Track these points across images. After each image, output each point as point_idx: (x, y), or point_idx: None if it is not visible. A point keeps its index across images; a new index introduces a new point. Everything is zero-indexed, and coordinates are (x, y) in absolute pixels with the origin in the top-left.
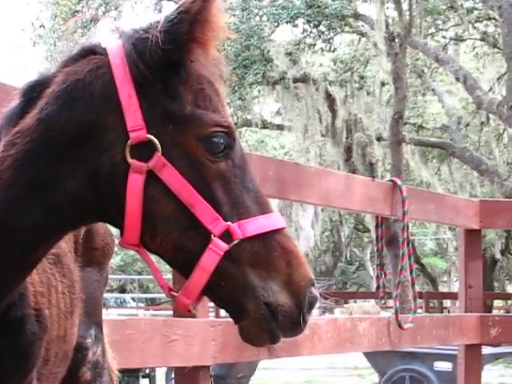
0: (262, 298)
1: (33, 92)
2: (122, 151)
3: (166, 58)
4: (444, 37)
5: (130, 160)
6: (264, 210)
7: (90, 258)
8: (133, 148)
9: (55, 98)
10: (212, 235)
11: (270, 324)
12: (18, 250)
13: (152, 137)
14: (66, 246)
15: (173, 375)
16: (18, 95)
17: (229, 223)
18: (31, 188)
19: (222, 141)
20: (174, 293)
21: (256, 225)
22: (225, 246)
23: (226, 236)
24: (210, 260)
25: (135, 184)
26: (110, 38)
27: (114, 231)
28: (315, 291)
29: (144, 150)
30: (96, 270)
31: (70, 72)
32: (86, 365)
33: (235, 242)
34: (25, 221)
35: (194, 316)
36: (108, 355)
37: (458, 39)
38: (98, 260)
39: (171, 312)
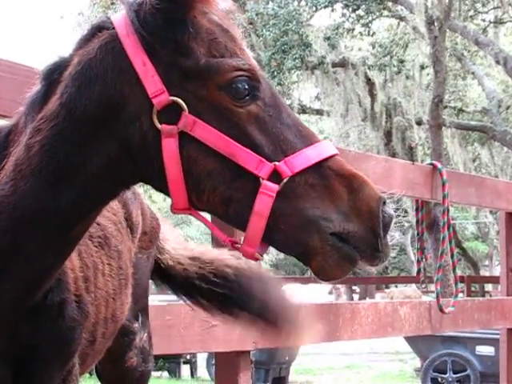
0: (326, 230)
1: (52, 75)
2: (148, 119)
3: (168, 18)
4: (483, 20)
5: (159, 126)
6: (310, 141)
7: (140, 243)
8: (159, 113)
9: (73, 80)
10: (260, 179)
11: (342, 249)
12: (56, 229)
13: (175, 98)
14: (114, 227)
15: (214, 361)
16: (39, 79)
17: (275, 163)
18: (61, 171)
19: (245, 84)
20: (237, 245)
21: (303, 158)
22: (275, 187)
23: (275, 176)
24: (263, 204)
25: (170, 148)
26: (119, 11)
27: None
28: (389, 209)
29: (171, 113)
30: (145, 256)
31: (83, 53)
32: (132, 350)
33: (285, 180)
34: (60, 202)
35: None
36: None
37: (498, 22)
38: (146, 245)
39: None
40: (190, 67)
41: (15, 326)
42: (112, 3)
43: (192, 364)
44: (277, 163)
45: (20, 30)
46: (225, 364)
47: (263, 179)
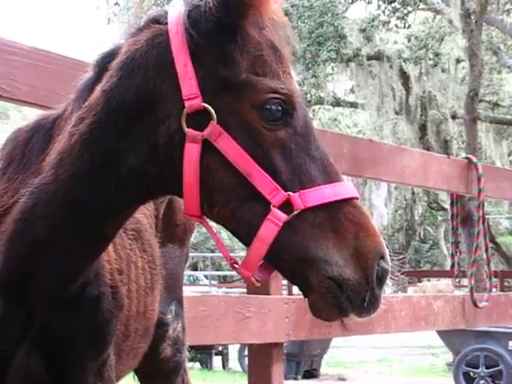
0: (324, 273)
1: (104, 62)
2: (177, 120)
3: (219, 23)
4: None
5: (185, 129)
6: (331, 179)
7: (171, 234)
8: (188, 117)
9: (117, 69)
10: (271, 205)
11: (337, 297)
12: (88, 225)
13: (207, 105)
14: (146, 221)
15: (246, 352)
16: (91, 67)
17: (289, 193)
18: (97, 162)
19: (279, 108)
20: (236, 265)
21: (319, 195)
22: (284, 217)
23: (286, 206)
24: (268, 231)
25: (191, 153)
26: (176, 7)
27: None
28: (385, 264)
29: (200, 119)
30: (177, 246)
31: (132, 42)
32: (166, 341)
33: (295, 212)
34: (92, 195)
35: (267, 293)
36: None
37: None
38: (178, 236)
39: (244, 290)
40: (229, 78)
41: (52, 317)
42: None
43: (224, 355)
44: (291, 193)
45: (57, 19)
46: (258, 356)
47: (274, 206)
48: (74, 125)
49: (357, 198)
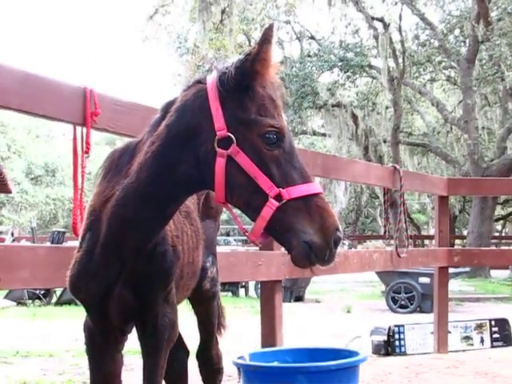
0: (301, 238)
1: (167, 107)
2: (211, 143)
3: (238, 84)
4: (424, 78)
5: (217, 148)
6: (306, 180)
7: (208, 214)
8: (218, 141)
9: (175, 111)
10: (269, 197)
11: (308, 254)
12: (157, 208)
13: (230, 134)
14: (192, 206)
15: (259, 286)
16: (159, 111)
17: (280, 189)
18: (162, 169)
19: (274, 136)
20: (246, 233)
21: (298, 190)
22: (277, 204)
23: (278, 197)
24: (267, 212)
25: (220, 164)
26: (212, 73)
27: None
28: (339, 234)
29: (225, 142)
30: (212, 221)
31: (184, 95)
32: (206, 279)
33: (284, 201)
34: (160, 190)
35: (272, 249)
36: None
37: (433, 80)
38: (213, 215)
39: (258, 248)
40: (243, 118)
41: (137, 264)
42: (198, 67)
43: (246, 288)
44: (281, 189)
45: (143, 82)
46: (266, 288)
47: (271, 197)
48: (148, 146)
49: (322, 193)
